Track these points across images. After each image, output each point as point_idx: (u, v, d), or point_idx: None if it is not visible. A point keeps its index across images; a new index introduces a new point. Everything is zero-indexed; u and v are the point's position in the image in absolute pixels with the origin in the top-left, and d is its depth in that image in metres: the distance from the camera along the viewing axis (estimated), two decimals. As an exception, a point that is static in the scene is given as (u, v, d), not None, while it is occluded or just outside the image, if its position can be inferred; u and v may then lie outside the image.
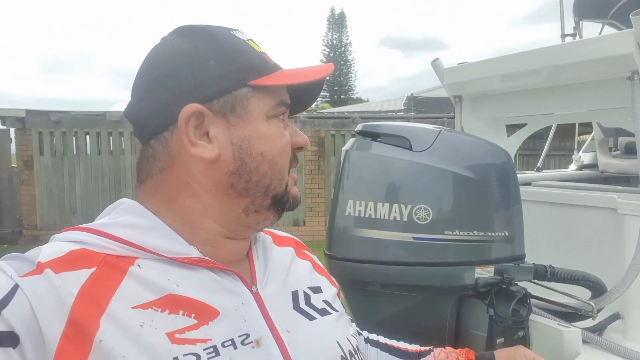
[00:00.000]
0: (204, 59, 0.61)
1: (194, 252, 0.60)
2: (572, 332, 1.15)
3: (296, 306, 0.67)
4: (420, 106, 12.40)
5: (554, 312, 1.27)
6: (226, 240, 0.64)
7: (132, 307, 0.53)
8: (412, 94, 13.80)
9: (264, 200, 0.64)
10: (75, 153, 7.48)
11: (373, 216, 1.12)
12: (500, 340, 1.15)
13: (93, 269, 0.54)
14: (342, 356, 0.65)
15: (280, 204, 0.66)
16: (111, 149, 7.60)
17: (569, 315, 1.28)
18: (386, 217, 1.10)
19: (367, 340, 0.90)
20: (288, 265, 0.73)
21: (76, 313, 0.50)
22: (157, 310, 0.54)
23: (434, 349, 0.92)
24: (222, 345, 0.55)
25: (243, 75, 0.62)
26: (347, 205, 1.17)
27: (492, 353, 0.92)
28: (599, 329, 1.33)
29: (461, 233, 1.12)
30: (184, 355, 0.52)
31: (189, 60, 0.61)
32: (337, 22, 40.43)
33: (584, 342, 1.18)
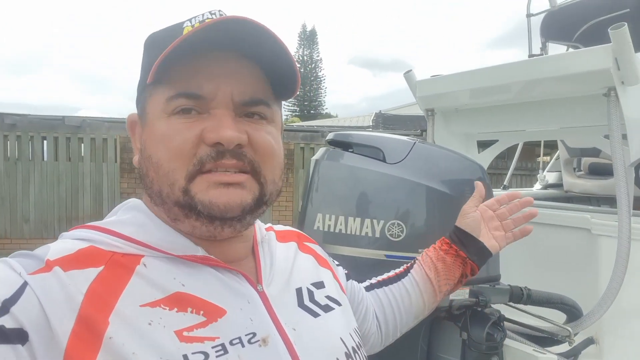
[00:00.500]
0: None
1: (199, 251, 0.59)
2: (548, 358, 1.10)
3: (300, 303, 0.66)
4: (388, 123, 12.57)
5: (526, 336, 1.22)
6: (219, 241, 0.61)
7: (140, 306, 0.52)
8: (380, 111, 13.98)
9: (172, 209, 0.58)
10: (30, 158, 7.10)
11: (344, 231, 1.04)
12: (472, 365, 1.08)
13: (101, 268, 0.53)
14: (346, 353, 0.65)
15: (195, 212, 0.57)
16: (69, 155, 7.27)
17: (541, 339, 1.23)
18: (357, 233, 1.02)
19: (367, 288, 0.91)
20: (292, 262, 0.71)
21: (86, 310, 0.50)
22: (165, 309, 0.53)
23: (417, 258, 0.96)
24: (230, 343, 0.54)
25: (145, 76, 0.59)
26: (316, 219, 1.08)
27: (456, 226, 0.96)
28: (573, 355, 1.29)
29: (436, 252, 1.04)
30: (192, 353, 0.51)
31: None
32: (309, 39, 40.81)
33: (560, 368, 1.12)
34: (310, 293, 0.68)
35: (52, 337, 0.48)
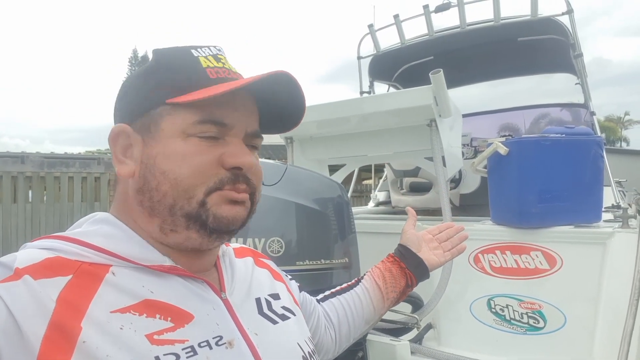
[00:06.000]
0: (139, 81, 0.66)
1: (167, 261, 0.62)
2: (402, 345, 1.30)
3: (260, 311, 0.71)
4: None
5: (382, 330, 1.42)
6: (187, 254, 0.65)
7: (111, 312, 0.54)
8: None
9: (177, 220, 0.62)
10: None
11: (228, 251, 1.08)
12: (342, 363, 1.22)
13: (70, 277, 0.55)
14: (303, 356, 0.71)
15: (200, 223, 0.62)
16: None
17: (394, 330, 1.45)
18: (241, 252, 1.08)
19: (318, 301, 0.97)
20: (250, 275, 0.77)
21: (58, 317, 0.51)
22: (135, 314, 0.56)
23: (368, 272, 1.06)
24: (199, 345, 0.58)
25: (162, 94, 0.63)
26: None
27: (399, 243, 1.09)
28: (418, 339, 1.53)
29: (310, 262, 1.17)
30: (164, 355, 0.54)
31: (131, 82, 0.67)
32: (141, 65, 38.52)
33: (411, 352, 1.34)
34: (268, 303, 0.74)
35: (23, 342, 0.49)
